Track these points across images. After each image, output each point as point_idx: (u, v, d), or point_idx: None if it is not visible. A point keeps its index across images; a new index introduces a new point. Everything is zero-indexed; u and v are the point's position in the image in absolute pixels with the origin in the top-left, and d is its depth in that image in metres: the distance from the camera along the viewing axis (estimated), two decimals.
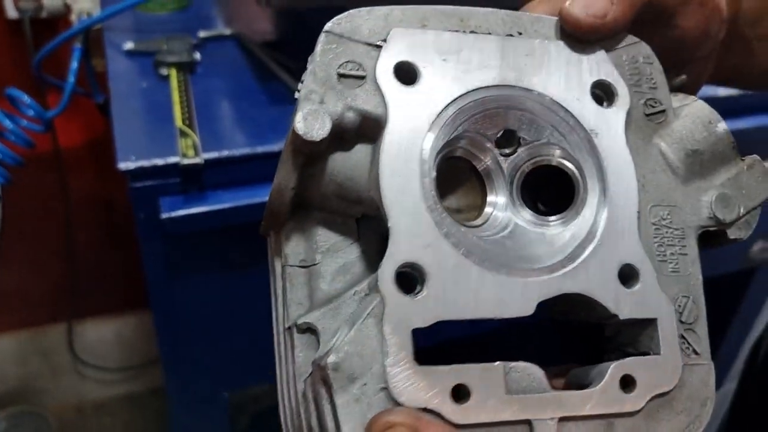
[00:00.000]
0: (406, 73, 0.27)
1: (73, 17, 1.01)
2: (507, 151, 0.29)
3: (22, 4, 1.16)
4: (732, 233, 0.32)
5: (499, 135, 0.29)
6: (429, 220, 0.26)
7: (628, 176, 0.29)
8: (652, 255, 0.29)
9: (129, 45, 0.75)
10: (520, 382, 0.26)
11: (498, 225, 0.29)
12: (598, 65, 0.30)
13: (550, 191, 0.30)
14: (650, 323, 0.28)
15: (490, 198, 0.29)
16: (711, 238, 0.31)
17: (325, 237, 0.29)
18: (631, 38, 0.31)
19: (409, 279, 0.26)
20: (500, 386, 0.25)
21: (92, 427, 1.66)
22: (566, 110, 0.29)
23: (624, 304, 0.28)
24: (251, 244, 0.61)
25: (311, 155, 0.27)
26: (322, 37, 0.28)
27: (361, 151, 0.28)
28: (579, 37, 0.29)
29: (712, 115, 0.32)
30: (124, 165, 0.56)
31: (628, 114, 0.29)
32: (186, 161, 0.57)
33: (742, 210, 0.31)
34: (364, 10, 0.29)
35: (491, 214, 0.29)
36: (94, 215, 1.49)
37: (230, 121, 0.64)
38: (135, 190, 0.58)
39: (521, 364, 0.26)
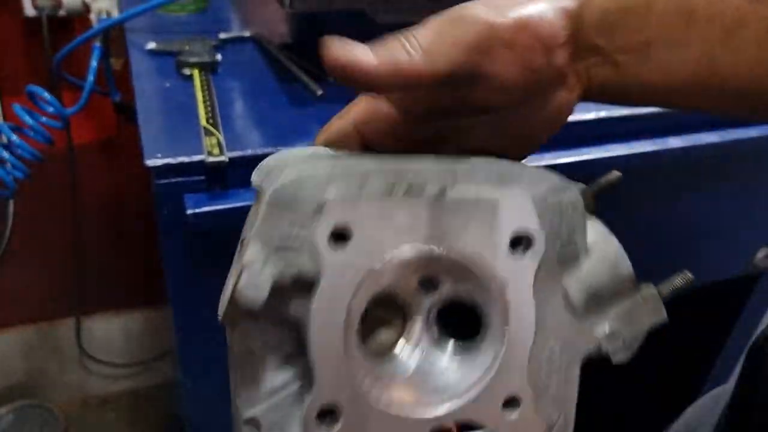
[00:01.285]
0: (340, 237, 0.29)
1: (92, 16, 1.02)
2: (428, 294, 0.32)
3: (40, 2, 1.18)
4: (616, 358, 0.34)
5: (419, 282, 0.32)
6: (347, 369, 0.30)
7: (529, 320, 0.32)
8: (536, 384, 0.32)
9: (151, 45, 0.77)
10: None
11: (413, 358, 0.32)
12: (520, 211, 0.31)
13: (464, 329, 0.33)
14: None
15: (406, 334, 0.33)
16: (594, 361, 0.34)
17: (271, 334, 0.31)
18: (561, 182, 0.33)
19: (324, 414, 0.30)
20: None
21: (97, 421, 1.67)
22: (481, 263, 0.31)
23: (504, 428, 0.32)
24: None
25: (250, 315, 0.30)
26: (265, 207, 0.30)
27: (300, 298, 0.30)
28: (345, 83, 0.31)
29: (618, 257, 0.34)
30: (150, 162, 0.58)
31: (541, 260, 0.31)
32: (211, 159, 0.59)
33: (626, 342, 0.34)
34: (304, 170, 0.30)
35: (406, 346, 0.33)
36: (104, 212, 1.51)
37: (252, 121, 0.65)
38: (160, 186, 0.59)
39: None
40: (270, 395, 0.31)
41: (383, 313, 0.33)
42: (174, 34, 0.81)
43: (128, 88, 1.11)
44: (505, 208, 0.31)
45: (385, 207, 0.30)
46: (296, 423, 0.30)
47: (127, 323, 1.66)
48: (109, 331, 1.65)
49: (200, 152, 0.59)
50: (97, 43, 0.91)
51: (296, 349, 0.31)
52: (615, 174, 0.36)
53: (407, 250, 0.30)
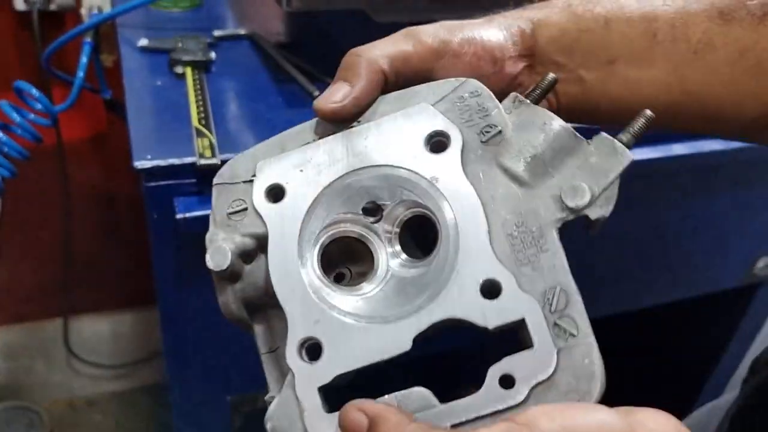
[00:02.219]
0: (275, 194, 0.35)
1: (83, 11, 1.00)
2: (372, 219, 0.35)
3: None
4: (593, 213, 0.33)
5: (362, 209, 0.35)
6: (315, 301, 0.33)
7: (472, 204, 0.33)
8: (511, 263, 0.32)
9: (143, 42, 0.75)
10: (411, 405, 0.31)
11: (378, 278, 0.35)
12: (426, 120, 0.35)
13: (426, 242, 0.35)
14: (520, 324, 0.31)
15: (375, 258, 0.35)
16: (574, 226, 0.33)
17: (279, 325, 0.35)
18: (455, 81, 0.36)
19: (314, 348, 0.33)
20: None
21: (84, 423, 1.64)
22: (406, 170, 0.34)
23: (490, 316, 0.31)
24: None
25: (230, 277, 0.35)
26: (213, 191, 0.37)
27: (261, 261, 0.35)
28: (330, 122, 0.36)
29: (543, 117, 0.35)
30: (139, 164, 0.56)
31: (464, 150, 0.34)
32: (203, 161, 0.56)
33: (597, 190, 0.33)
34: (239, 156, 0.37)
35: (373, 270, 0.35)
36: (93, 211, 1.48)
37: (246, 122, 0.63)
38: (150, 189, 0.57)
39: (408, 390, 0.31)
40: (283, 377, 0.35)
41: (356, 249, 0.36)
42: (167, 31, 0.79)
43: (119, 85, 1.09)
44: (410, 118, 0.35)
45: (305, 152, 0.35)
46: (278, 392, 0.34)
47: (116, 324, 1.63)
48: (97, 332, 1.62)
49: (191, 154, 0.57)
50: (88, 39, 0.89)
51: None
52: (550, 77, 0.38)
53: (335, 174, 0.35)
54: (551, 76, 0.39)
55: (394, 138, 0.35)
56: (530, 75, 0.42)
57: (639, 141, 0.35)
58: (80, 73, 0.90)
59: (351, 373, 0.32)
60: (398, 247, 0.35)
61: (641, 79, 0.42)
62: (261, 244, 0.35)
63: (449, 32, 0.39)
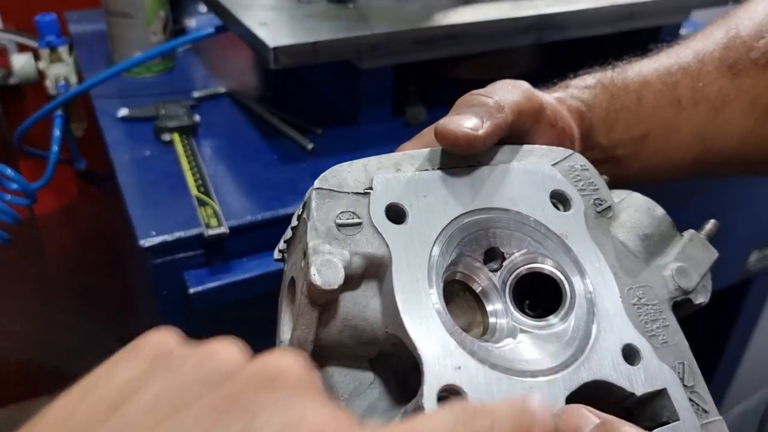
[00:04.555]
0: (396, 214, 0.31)
1: (48, 83, 0.97)
2: (494, 266, 0.33)
3: None
4: (696, 299, 0.35)
5: (484, 254, 0.33)
6: (453, 343, 0.28)
7: (603, 267, 0.32)
8: (642, 332, 0.32)
9: (123, 112, 0.73)
10: None
11: (504, 335, 0.31)
12: (549, 178, 0.34)
13: (536, 296, 0.34)
14: (662, 394, 0.30)
15: (489, 310, 0.32)
16: (679, 308, 0.35)
17: (344, 384, 0.31)
18: (565, 151, 0.36)
19: (445, 401, 0.27)
20: None
21: None
22: (536, 220, 0.33)
23: (636, 382, 0.30)
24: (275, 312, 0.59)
25: (326, 305, 0.29)
26: (313, 194, 0.31)
27: (367, 290, 0.30)
28: (456, 151, 0.33)
29: (649, 202, 0.37)
30: (145, 242, 0.54)
31: (585, 215, 0.34)
32: (211, 231, 0.55)
33: (697, 277, 0.35)
34: (345, 164, 0.32)
35: (495, 324, 0.32)
36: (71, 286, 1.44)
37: (245, 184, 0.62)
38: (157, 266, 0.55)
39: None
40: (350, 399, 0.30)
41: (460, 298, 0.33)
42: (144, 98, 0.77)
43: (91, 155, 1.06)
44: (535, 176, 0.34)
45: (427, 178, 0.32)
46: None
47: None
48: None
49: (197, 225, 0.56)
50: (59, 112, 0.86)
51: (378, 396, 0.30)
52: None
53: (461, 208, 0.32)
54: (605, 178, 0.39)
55: (519, 187, 0.33)
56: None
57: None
58: (55, 148, 0.88)
59: None
60: (513, 304, 0.33)
61: (669, 147, 0.44)
62: (371, 269, 0.30)
63: (544, 98, 0.39)
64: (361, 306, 0.30)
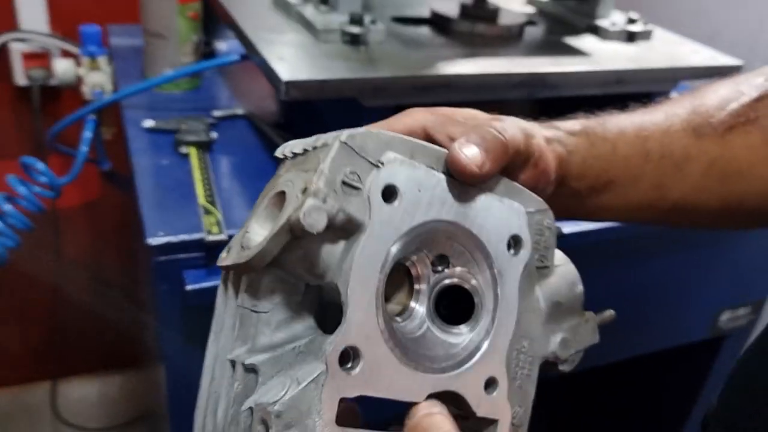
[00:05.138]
0: (390, 194, 0.34)
1: (85, 89, 1.06)
2: (438, 268, 0.38)
3: (33, 72, 1.21)
4: (562, 366, 0.41)
5: (436, 256, 0.37)
6: (374, 316, 0.33)
7: (512, 312, 0.38)
8: (508, 372, 0.38)
9: (149, 123, 0.81)
10: None
11: (416, 324, 0.37)
12: (517, 222, 0.39)
13: (453, 306, 0.38)
14: (494, 422, 0.38)
15: (415, 293, 0.37)
16: (545, 367, 0.41)
17: (278, 292, 0.34)
18: (543, 204, 0.41)
19: (352, 360, 0.33)
20: None
21: None
22: (488, 252, 0.37)
23: (482, 406, 0.37)
24: None
25: (296, 234, 0.32)
26: (336, 146, 0.33)
27: (336, 242, 0.34)
28: (459, 178, 0.37)
29: (576, 278, 0.42)
30: (152, 240, 0.61)
31: (526, 264, 0.39)
32: (211, 237, 0.62)
33: (572, 351, 0.41)
34: (374, 132, 0.35)
35: (414, 309, 0.37)
36: (84, 274, 1.51)
37: (249, 199, 0.69)
38: (160, 263, 0.62)
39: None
40: (268, 349, 0.34)
41: (399, 278, 0.37)
42: (169, 111, 0.85)
43: (117, 157, 1.14)
44: (509, 211, 0.38)
45: (428, 176, 0.36)
46: (294, 379, 0.32)
47: (103, 387, 1.64)
48: (86, 395, 1.63)
49: (199, 230, 0.63)
50: (92, 116, 0.95)
51: (299, 310, 0.35)
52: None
53: (442, 214, 0.36)
54: (561, 231, 0.43)
55: (491, 219, 0.38)
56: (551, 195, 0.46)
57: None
58: (84, 148, 0.96)
59: (364, 399, 0.33)
60: (433, 304, 0.38)
61: (629, 192, 0.49)
62: (347, 227, 0.33)
63: (537, 142, 0.43)
64: (326, 251, 0.33)
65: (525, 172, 0.42)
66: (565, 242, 0.66)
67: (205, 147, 0.76)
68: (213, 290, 0.62)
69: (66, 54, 1.21)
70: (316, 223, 0.31)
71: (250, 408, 0.32)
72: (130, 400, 1.64)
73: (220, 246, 0.62)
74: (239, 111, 0.87)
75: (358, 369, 0.32)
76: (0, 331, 1.48)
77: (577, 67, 0.81)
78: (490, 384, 0.37)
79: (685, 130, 0.49)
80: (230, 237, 0.62)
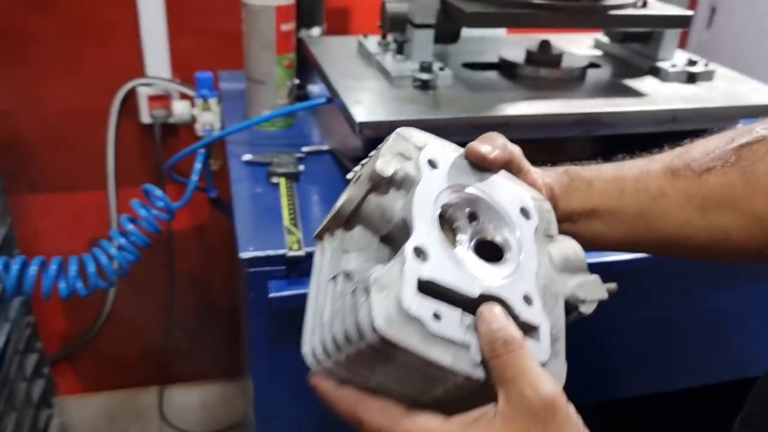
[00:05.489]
0: (432, 163, 0.47)
1: (198, 126, 1.22)
2: (471, 223, 0.48)
3: (155, 112, 1.40)
4: (582, 308, 0.48)
5: (468, 212, 0.48)
6: (434, 229, 0.44)
7: (533, 257, 0.46)
8: (539, 295, 0.45)
9: (247, 156, 0.94)
10: None
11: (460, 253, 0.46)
12: (525, 196, 0.50)
13: (484, 249, 0.48)
14: (536, 330, 0.44)
15: (458, 239, 0.47)
16: (568, 308, 0.48)
17: (361, 242, 0.47)
18: (540, 194, 0.51)
19: (422, 255, 0.42)
20: None
21: None
22: (506, 213, 0.48)
23: (524, 312, 0.43)
24: None
25: (374, 186, 0.47)
26: (393, 135, 0.49)
27: (398, 194, 0.47)
28: (476, 162, 0.49)
29: (577, 246, 0.50)
30: (244, 254, 0.73)
31: (536, 229, 0.48)
32: (291, 253, 0.73)
33: (588, 297, 0.48)
34: (416, 130, 0.50)
35: (460, 245, 0.47)
36: (193, 292, 1.67)
37: None
38: (249, 274, 0.74)
39: None
40: (360, 261, 0.47)
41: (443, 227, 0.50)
42: (265, 147, 0.99)
43: (223, 186, 1.30)
44: (518, 190, 0.50)
45: (453, 158, 0.49)
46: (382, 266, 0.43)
47: (204, 394, 1.80)
48: (188, 401, 1.79)
49: (283, 247, 0.74)
50: (202, 150, 1.10)
51: (374, 263, 0.46)
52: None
53: (464, 179, 0.48)
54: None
55: (504, 193, 0.49)
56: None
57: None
58: (194, 177, 1.11)
59: (434, 285, 0.41)
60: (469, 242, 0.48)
61: (615, 220, 0.56)
62: (403, 183, 0.46)
63: (525, 162, 0.54)
64: (392, 200, 0.46)
65: (518, 177, 0.52)
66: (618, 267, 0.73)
67: (293, 178, 0.88)
68: (292, 298, 0.74)
69: (183, 96, 1.38)
70: (386, 169, 0.46)
71: (354, 290, 0.43)
72: (228, 408, 1.79)
73: (299, 261, 0.74)
74: (325, 147, 0.99)
75: (427, 261, 0.41)
76: (116, 337, 1.66)
77: (631, 107, 0.88)
78: (527, 299, 0.44)
79: (663, 172, 0.56)
80: (308, 254, 0.73)
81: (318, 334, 0.46)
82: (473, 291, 0.42)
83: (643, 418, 1.30)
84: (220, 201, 1.33)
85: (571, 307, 0.48)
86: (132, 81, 1.36)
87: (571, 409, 0.41)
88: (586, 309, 0.48)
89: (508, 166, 0.52)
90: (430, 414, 0.42)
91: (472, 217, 0.48)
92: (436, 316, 0.40)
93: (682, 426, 1.26)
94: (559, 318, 0.46)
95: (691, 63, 1.00)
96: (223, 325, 1.70)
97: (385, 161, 0.46)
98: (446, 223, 0.48)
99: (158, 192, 1.09)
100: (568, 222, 0.56)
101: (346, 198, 0.48)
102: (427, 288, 0.41)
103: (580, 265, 0.50)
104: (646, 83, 0.98)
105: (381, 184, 0.47)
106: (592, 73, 1.01)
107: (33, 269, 0.98)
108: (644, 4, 0.93)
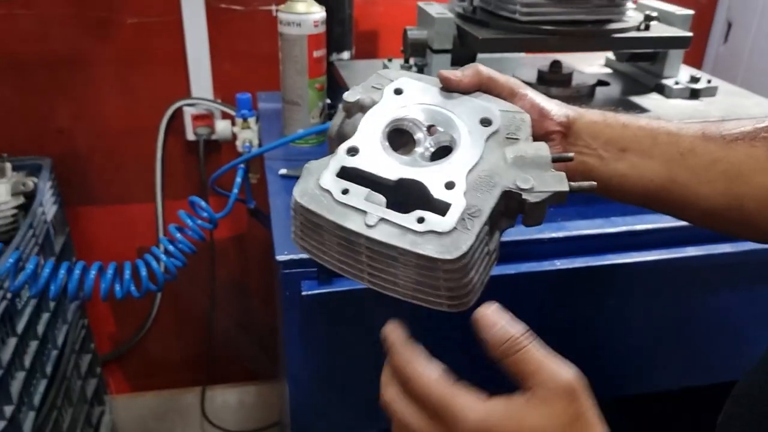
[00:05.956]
0: (398, 92, 0.59)
1: (238, 143, 1.32)
2: (430, 134, 0.57)
3: (199, 130, 1.51)
4: (526, 196, 0.51)
5: (427, 124, 0.57)
6: (376, 137, 0.56)
7: (475, 155, 0.54)
8: (468, 185, 0.51)
9: (283, 171, 1.04)
10: None
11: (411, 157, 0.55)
12: (489, 110, 0.57)
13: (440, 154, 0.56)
14: (449, 208, 0.50)
15: (416, 149, 0.56)
16: (512, 195, 0.52)
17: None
18: (520, 109, 0.58)
19: (353, 151, 0.55)
20: None
21: None
22: (463, 123, 0.56)
23: (440, 194, 0.51)
24: (364, 317, 0.84)
25: (347, 111, 0.59)
26: (374, 74, 0.61)
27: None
28: (447, 88, 0.59)
29: (543, 146, 0.54)
30: (280, 257, 0.82)
31: (494, 133, 0.55)
32: None
33: (532, 187, 0.51)
34: (397, 70, 0.63)
35: (414, 153, 0.56)
36: (233, 297, 1.78)
37: None
38: (285, 275, 0.83)
39: None
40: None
41: (406, 139, 0.57)
42: (300, 161, 1.08)
43: (261, 198, 1.40)
44: (481, 106, 0.57)
45: (423, 87, 0.59)
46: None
47: (243, 394, 1.90)
48: (227, 401, 1.89)
49: None
50: (242, 165, 1.20)
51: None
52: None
53: (428, 100, 0.58)
54: (570, 154, 0.57)
55: (467, 108, 0.57)
56: (562, 140, 0.60)
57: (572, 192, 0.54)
58: (235, 190, 1.21)
59: (358, 172, 0.53)
60: (430, 149, 0.56)
61: (643, 165, 0.59)
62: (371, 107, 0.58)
63: (526, 90, 0.60)
64: (359, 120, 0.57)
65: (511, 101, 0.59)
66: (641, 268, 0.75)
67: None
68: (323, 296, 0.83)
69: (225, 115, 1.50)
70: (350, 96, 0.58)
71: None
72: (265, 408, 1.89)
73: None
74: None
75: (356, 156, 0.54)
76: (161, 340, 1.77)
77: None
78: (449, 185, 0.51)
79: (695, 133, 0.59)
80: None
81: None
82: (392, 176, 0.52)
83: (638, 416, 1.35)
84: (258, 212, 1.43)
85: (515, 194, 0.52)
86: (178, 102, 1.48)
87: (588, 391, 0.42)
88: (532, 198, 0.52)
89: (486, 89, 0.59)
90: (475, 394, 0.43)
91: (431, 130, 0.57)
92: (345, 191, 0.52)
93: (674, 424, 1.31)
94: (485, 201, 0.51)
95: (694, 80, 1.07)
96: (261, 329, 1.80)
97: (352, 92, 0.58)
98: (406, 134, 0.58)
99: (203, 203, 1.20)
100: (595, 157, 0.60)
101: (330, 124, 0.61)
102: (353, 175, 0.53)
103: (539, 162, 0.54)
104: (650, 99, 1.05)
105: (351, 110, 0.58)
106: (600, 91, 1.09)
107: (92, 273, 1.09)
108: (647, 27, 1.00)
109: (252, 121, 1.32)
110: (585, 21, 0.97)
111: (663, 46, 1.02)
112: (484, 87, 0.59)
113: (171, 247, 1.18)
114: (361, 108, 0.58)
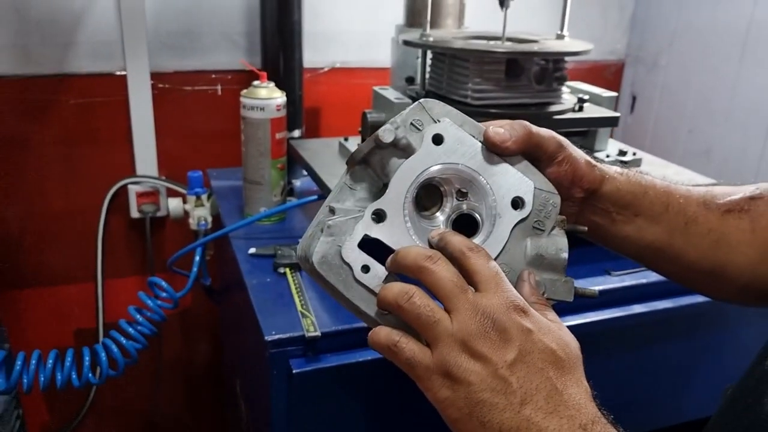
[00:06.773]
0: (438, 140, 0.55)
1: (191, 221, 1.33)
2: (459, 198, 0.57)
3: (144, 207, 1.50)
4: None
5: (458, 187, 0.57)
6: (402, 198, 0.55)
7: (501, 242, 0.56)
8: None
9: (252, 250, 1.06)
10: None
11: (435, 225, 0.57)
12: (525, 188, 0.56)
13: (463, 229, 0.56)
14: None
15: (439, 212, 0.57)
16: None
17: (365, 181, 0.56)
18: (553, 189, 0.58)
19: (380, 217, 0.54)
20: None
21: None
22: (494, 201, 0.55)
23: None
24: (357, 392, 0.87)
25: (378, 146, 0.54)
26: (415, 105, 0.56)
27: (399, 157, 0.55)
28: (491, 149, 0.56)
29: (563, 246, 0.57)
30: (269, 337, 0.84)
31: (523, 219, 0.56)
32: (309, 334, 0.85)
33: (545, 294, 0.55)
34: (441, 103, 0.57)
35: (436, 218, 0.57)
36: (178, 376, 1.72)
37: (333, 306, 0.92)
38: (272, 354, 0.85)
39: None
40: (344, 211, 0.55)
41: (429, 200, 0.57)
42: (265, 240, 1.11)
43: (214, 274, 1.40)
44: (517, 181, 0.56)
45: (466, 138, 0.56)
46: (347, 218, 0.54)
47: None
48: None
49: (300, 330, 0.86)
50: (200, 246, 1.21)
51: (373, 198, 0.55)
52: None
53: (467, 159, 0.56)
54: (584, 228, 0.60)
55: (504, 181, 0.56)
56: (582, 201, 0.62)
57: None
58: (194, 269, 1.22)
59: (379, 243, 0.53)
60: (453, 216, 0.57)
61: (649, 229, 0.64)
62: (406, 150, 0.54)
63: (569, 150, 0.60)
64: (392, 160, 0.55)
65: (550, 166, 0.59)
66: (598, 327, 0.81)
67: (297, 267, 1.01)
68: (312, 373, 0.85)
69: (171, 192, 1.50)
70: (386, 136, 0.53)
71: (320, 223, 0.55)
72: None
73: (316, 341, 0.86)
74: None
75: (381, 224, 0.53)
76: (99, 428, 1.69)
77: None
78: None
79: (698, 201, 0.66)
80: (323, 334, 0.86)
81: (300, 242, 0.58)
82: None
83: None
84: (212, 290, 1.43)
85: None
86: (123, 180, 1.47)
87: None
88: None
89: (534, 154, 0.57)
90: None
91: (461, 194, 0.56)
92: (365, 269, 0.53)
93: None
94: (515, 272, 0.54)
95: (622, 153, 1.19)
96: (211, 411, 1.75)
97: (387, 130, 0.53)
98: (436, 193, 0.57)
99: (163, 283, 1.20)
100: (606, 216, 0.64)
101: (357, 147, 0.57)
102: (374, 243, 0.53)
103: (554, 264, 0.56)
104: None
105: (383, 146, 0.55)
106: None
107: (33, 363, 1.06)
108: (581, 108, 1.12)
109: (204, 198, 1.33)
110: (529, 104, 1.07)
111: (597, 125, 1.14)
112: (530, 148, 0.58)
113: (131, 330, 1.17)
114: (398, 147, 0.55)
